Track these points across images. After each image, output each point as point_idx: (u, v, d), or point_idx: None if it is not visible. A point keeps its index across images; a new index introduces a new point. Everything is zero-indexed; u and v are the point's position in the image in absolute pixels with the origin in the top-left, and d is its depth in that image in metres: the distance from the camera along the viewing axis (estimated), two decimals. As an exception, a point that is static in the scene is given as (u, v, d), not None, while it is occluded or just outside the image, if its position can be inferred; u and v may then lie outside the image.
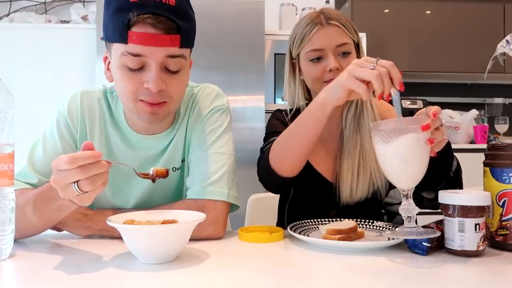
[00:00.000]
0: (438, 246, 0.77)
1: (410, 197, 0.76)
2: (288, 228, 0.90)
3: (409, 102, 3.02)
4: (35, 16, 2.81)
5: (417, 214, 0.76)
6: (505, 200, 0.79)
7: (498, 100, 3.48)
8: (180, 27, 0.83)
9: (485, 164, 0.84)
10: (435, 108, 0.75)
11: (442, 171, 0.90)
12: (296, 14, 2.92)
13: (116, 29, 0.82)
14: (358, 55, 1.13)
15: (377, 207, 1.14)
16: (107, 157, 0.96)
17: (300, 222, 0.95)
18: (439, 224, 0.82)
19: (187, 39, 0.86)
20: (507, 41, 0.86)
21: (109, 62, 0.91)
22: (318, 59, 1.08)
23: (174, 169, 1.00)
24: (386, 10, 3.14)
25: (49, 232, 0.89)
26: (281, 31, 2.76)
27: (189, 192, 0.94)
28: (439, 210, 0.80)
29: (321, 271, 0.68)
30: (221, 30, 2.49)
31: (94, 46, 2.53)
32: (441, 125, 0.76)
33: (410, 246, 0.78)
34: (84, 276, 0.65)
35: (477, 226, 0.73)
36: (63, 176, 0.67)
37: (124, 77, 0.85)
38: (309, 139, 0.91)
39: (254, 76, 2.52)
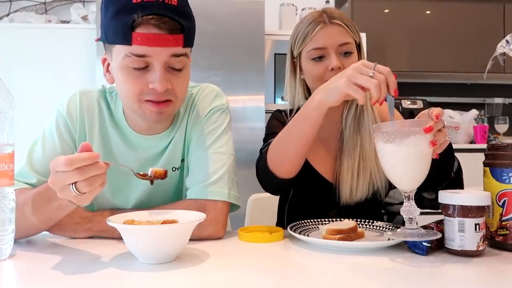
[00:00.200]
0: (438, 246, 0.77)
1: (412, 199, 0.76)
2: (288, 228, 0.90)
3: (409, 102, 3.02)
4: (35, 16, 2.81)
5: (418, 215, 0.76)
6: (505, 200, 0.79)
7: (498, 100, 3.48)
8: (184, 26, 0.83)
9: (485, 164, 0.84)
10: (438, 110, 0.75)
11: (443, 171, 0.90)
12: (296, 14, 2.92)
13: (119, 31, 0.81)
14: (359, 55, 1.13)
15: (377, 207, 1.14)
16: (107, 157, 0.96)
17: (300, 222, 0.95)
18: (439, 224, 0.82)
19: (189, 38, 0.86)
20: (507, 41, 0.86)
21: (109, 64, 0.91)
22: (320, 58, 1.08)
23: (174, 169, 1.00)
24: (386, 10, 3.15)
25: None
26: (281, 31, 2.76)
27: (189, 192, 0.94)
28: (439, 210, 0.80)
29: (321, 271, 0.68)
30: (221, 30, 2.49)
31: (94, 46, 2.53)
32: (443, 127, 0.76)
33: (410, 246, 0.78)
34: (84, 276, 0.65)
35: (477, 226, 0.73)
36: (60, 178, 0.67)
37: (127, 79, 0.85)
38: (305, 139, 0.91)
39: (254, 76, 2.52)
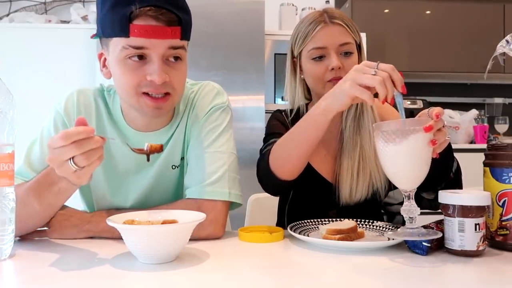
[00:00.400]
0: (438, 246, 0.77)
1: (412, 198, 0.76)
2: (288, 228, 0.90)
3: (409, 102, 3.02)
4: (35, 16, 2.81)
5: (418, 214, 0.76)
6: (505, 200, 0.79)
7: (498, 100, 3.48)
8: (181, 19, 0.83)
9: (485, 164, 0.84)
10: (438, 109, 0.75)
11: (443, 172, 0.90)
12: (296, 14, 2.92)
13: (116, 23, 0.81)
14: (360, 56, 1.13)
15: (377, 208, 1.14)
16: (105, 155, 0.95)
17: (300, 222, 0.95)
18: (439, 224, 0.82)
19: (186, 31, 0.86)
20: (507, 41, 0.86)
21: (105, 59, 0.91)
22: (321, 57, 1.08)
23: (173, 167, 1.00)
24: (386, 10, 3.15)
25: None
26: (281, 31, 2.76)
27: (188, 192, 0.93)
28: (439, 210, 0.80)
29: (321, 271, 0.68)
30: (221, 30, 2.49)
31: (94, 46, 2.53)
32: (443, 126, 0.76)
33: (410, 246, 0.78)
34: (84, 276, 0.65)
35: (477, 226, 0.73)
36: (58, 154, 0.68)
37: (125, 71, 0.85)
38: (310, 144, 0.91)
39: (254, 76, 2.52)
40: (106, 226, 0.73)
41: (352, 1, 3.09)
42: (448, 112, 2.96)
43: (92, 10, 2.75)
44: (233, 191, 0.94)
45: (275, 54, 2.67)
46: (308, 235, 0.88)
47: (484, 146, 0.88)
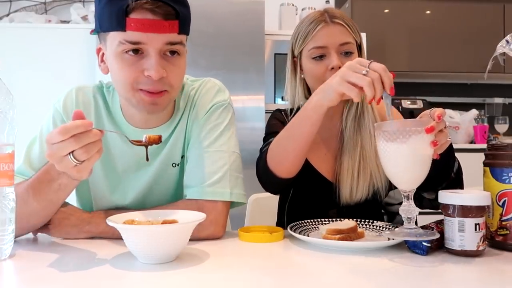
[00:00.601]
0: (438, 246, 0.77)
1: (411, 198, 0.76)
2: (288, 228, 0.90)
3: (409, 102, 3.02)
4: (35, 16, 2.81)
5: (417, 214, 0.76)
6: (505, 200, 0.79)
7: (498, 100, 3.48)
8: (179, 12, 0.82)
9: (485, 164, 0.84)
10: (440, 110, 0.75)
11: (444, 172, 0.90)
12: (296, 14, 2.92)
13: (113, 17, 0.80)
14: (360, 56, 1.13)
15: (377, 208, 1.14)
16: (104, 152, 0.94)
17: (300, 222, 0.95)
18: (439, 224, 0.82)
19: (185, 25, 0.85)
20: (507, 41, 0.86)
21: (103, 54, 0.90)
22: (321, 57, 1.08)
23: (174, 165, 0.99)
24: (386, 10, 3.15)
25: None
26: (281, 31, 2.76)
27: (189, 193, 0.93)
28: (439, 210, 0.80)
29: (321, 271, 0.68)
30: (221, 30, 2.49)
31: (94, 46, 2.52)
32: (444, 128, 0.76)
33: (410, 246, 0.78)
34: (84, 276, 0.65)
35: (477, 226, 0.73)
36: (57, 149, 0.68)
37: (122, 66, 0.84)
38: (305, 139, 0.91)
39: (254, 76, 2.52)
40: (106, 228, 0.73)
41: (352, 1, 3.09)
42: (448, 112, 2.96)
43: (92, 10, 2.75)
44: (235, 191, 0.93)
45: (275, 54, 2.68)
46: (308, 235, 0.88)
47: (484, 146, 0.88)
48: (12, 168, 0.74)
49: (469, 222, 0.73)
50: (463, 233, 0.73)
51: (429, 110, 0.79)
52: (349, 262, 0.73)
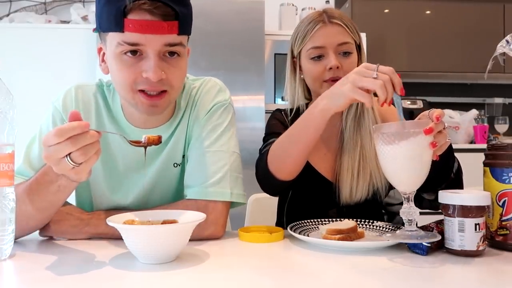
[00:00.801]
0: (438, 246, 0.77)
1: (411, 200, 0.76)
2: (288, 228, 0.90)
3: (409, 102, 3.02)
4: (35, 16, 2.81)
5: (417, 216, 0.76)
6: (505, 200, 0.79)
7: (498, 100, 3.48)
8: (178, 13, 0.81)
9: (485, 164, 0.84)
10: (438, 111, 0.75)
11: (443, 172, 0.90)
12: (296, 14, 2.92)
13: (111, 17, 0.80)
14: (359, 56, 1.13)
15: (377, 207, 1.14)
16: (104, 152, 0.94)
17: (300, 222, 0.95)
18: (439, 224, 0.82)
19: (185, 26, 0.84)
20: (507, 41, 0.86)
21: (104, 54, 0.90)
22: (319, 57, 1.08)
23: (175, 165, 0.99)
24: (386, 10, 3.15)
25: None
26: (281, 31, 2.77)
27: (189, 193, 0.93)
28: (439, 210, 0.80)
29: (321, 271, 0.68)
30: (221, 30, 2.49)
31: (94, 46, 2.53)
32: (443, 128, 0.76)
33: (410, 246, 0.78)
34: (84, 276, 0.65)
35: (477, 226, 0.73)
36: (54, 151, 0.66)
37: (121, 67, 0.84)
38: (308, 143, 0.92)
39: (254, 76, 2.52)
40: (106, 229, 0.72)
41: (352, 1, 3.09)
42: (448, 112, 2.96)
43: (92, 10, 2.75)
44: (235, 191, 0.93)
45: (275, 54, 2.68)
46: (308, 235, 0.88)
47: (484, 146, 0.88)
48: (12, 168, 0.74)
49: (469, 222, 0.73)
50: (463, 233, 0.73)
51: (428, 111, 0.79)
52: (349, 262, 0.72)
